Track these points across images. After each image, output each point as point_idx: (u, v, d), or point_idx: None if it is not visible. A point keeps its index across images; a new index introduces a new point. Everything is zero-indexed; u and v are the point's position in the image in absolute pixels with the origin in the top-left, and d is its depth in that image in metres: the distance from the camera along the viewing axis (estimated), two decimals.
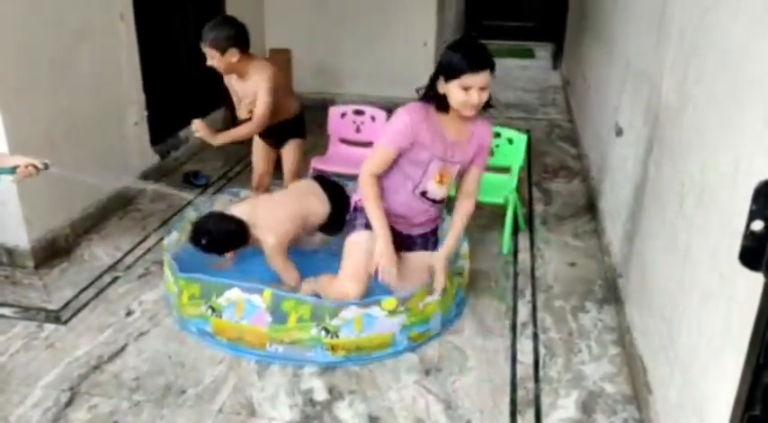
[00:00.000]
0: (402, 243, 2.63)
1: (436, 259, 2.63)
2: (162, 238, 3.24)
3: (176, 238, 3.03)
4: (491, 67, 2.32)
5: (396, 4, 5.92)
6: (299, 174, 3.50)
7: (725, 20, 1.78)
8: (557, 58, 8.27)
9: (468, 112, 2.36)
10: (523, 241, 3.56)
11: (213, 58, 3.06)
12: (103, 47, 3.67)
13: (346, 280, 2.54)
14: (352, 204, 2.69)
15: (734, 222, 1.49)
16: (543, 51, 9.20)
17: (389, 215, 2.54)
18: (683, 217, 2.00)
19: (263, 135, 3.40)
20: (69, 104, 3.41)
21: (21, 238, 3.17)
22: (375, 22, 5.99)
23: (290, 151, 3.49)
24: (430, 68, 2.67)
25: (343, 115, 4.03)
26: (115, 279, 3.13)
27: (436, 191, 2.55)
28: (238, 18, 3.14)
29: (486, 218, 3.77)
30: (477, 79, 2.29)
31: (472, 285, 3.06)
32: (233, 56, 3.03)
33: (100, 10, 3.62)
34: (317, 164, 3.84)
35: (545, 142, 5.30)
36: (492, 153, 3.64)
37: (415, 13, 5.93)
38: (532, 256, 3.40)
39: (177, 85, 4.70)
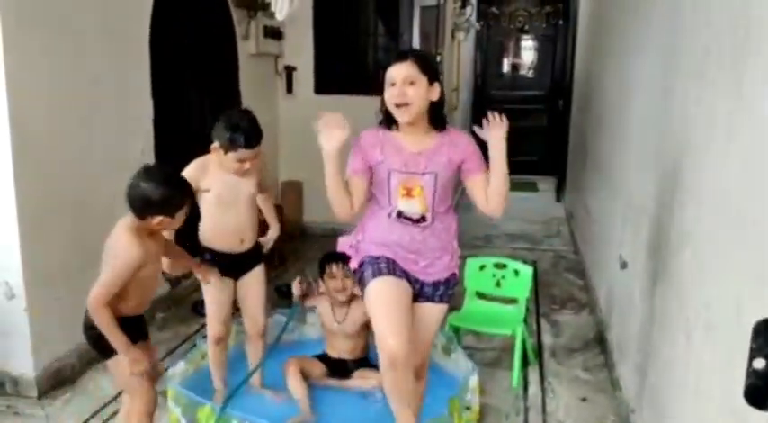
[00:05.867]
0: (413, 290, 2.40)
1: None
2: (167, 369, 3.21)
3: (183, 368, 3.00)
4: (415, 56, 2.28)
5: None
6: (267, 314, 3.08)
7: (718, 160, 1.87)
8: (560, 190, 8.50)
9: (400, 115, 2.26)
10: (533, 375, 3.50)
11: (254, 159, 2.74)
12: (124, 181, 3.75)
13: (387, 337, 2.24)
14: (349, 243, 2.48)
15: (739, 359, 1.49)
16: (546, 184, 9.47)
17: (394, 250, 2.37)
18: (691, 352, 2.00)
19: (216, 261, 2.85)
20: (87, 236, 3.48)
21: (27, 366, 3.15)
22: None
23: (253, 284, 2.97)
24: None
25: (351, 246, 4.11)
26: (118, 411, 3.07)
27: (409, 207, 2.34)
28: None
29: (495, 350, 3.74)
30: (397, 71, 2.24)
31: (483, 421, 2.98)
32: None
33: (123, 147, 3.80)
34: None
35: (551, 273, 5.34)
36: (498, 284, 3.70)
37: None
38: (543, 391, 3.34)
39: (191, 220, 4.83)
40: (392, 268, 2.34)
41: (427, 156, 2.31)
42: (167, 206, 2.23)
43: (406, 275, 2.37)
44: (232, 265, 2.87)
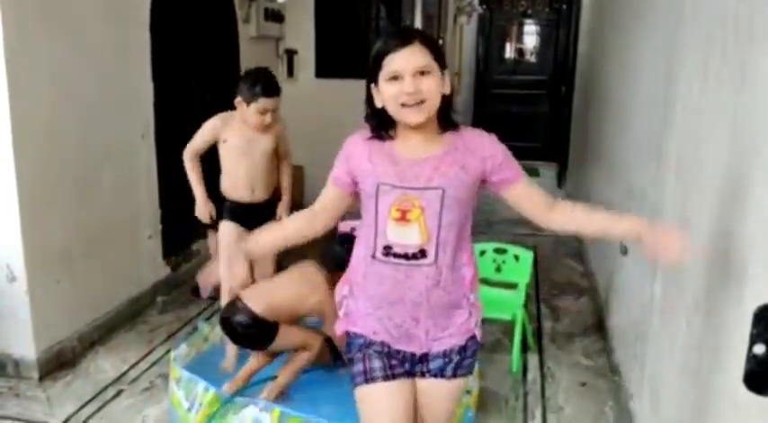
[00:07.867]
0: (414, 368, 1.80)
1: (641, 227, 1.69)
2: (169, 351, 3.23)
3: (185, 351, 3.01)
4: (423, 38, 1.64)
5: None
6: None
7: (721, 148, 1.86)
8: (561, 176, 8.49)
9: (410, 115, 1.62)
10: (533, 360, 3.52)
11: (275, 110, 3.04)
12: (125, 165, 3.83)
13: None
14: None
15: (741, 346, 1.49)
16: (548, 170, 9.46)
17: (387, 313, 1.74)
18: (691, 339, 2.01)
19: (236, 214, 3.16)
20: (88, 220, 3.52)
21: (29, 349, 3.17)
22: None
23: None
24: None
25: (352, 230, 4.11)
26: (119, 393, 3.10)
27: (402, 236, 1.67)
28: None
29: (495, 335, 3.75)
30: (405, 59, 1.59)
31: (481, 406, 3.00)
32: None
33: (124, 131, 3.81)
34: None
35: (552, 259, 5.35)
36: (499, 269, 3.70)
37: None
38: (542, 376, 3.35)
39: (191, 199, 4.83)
40: (386, 368, 1.76)
41: (433, 164, 1.66)
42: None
43: (402, 364, 1.79)
44: (246, 215, 3.11)
